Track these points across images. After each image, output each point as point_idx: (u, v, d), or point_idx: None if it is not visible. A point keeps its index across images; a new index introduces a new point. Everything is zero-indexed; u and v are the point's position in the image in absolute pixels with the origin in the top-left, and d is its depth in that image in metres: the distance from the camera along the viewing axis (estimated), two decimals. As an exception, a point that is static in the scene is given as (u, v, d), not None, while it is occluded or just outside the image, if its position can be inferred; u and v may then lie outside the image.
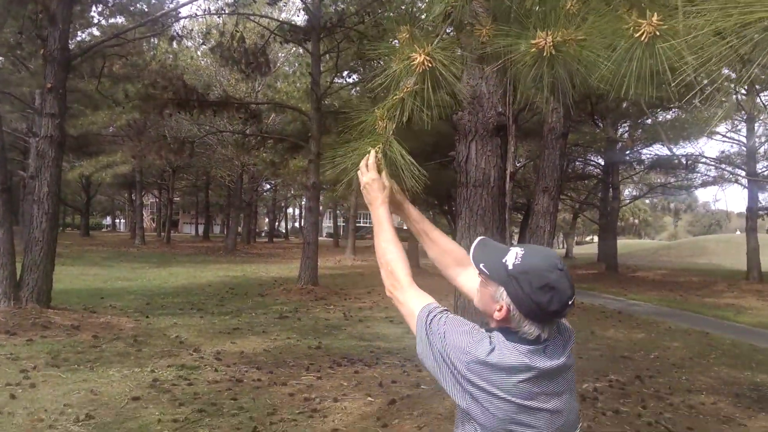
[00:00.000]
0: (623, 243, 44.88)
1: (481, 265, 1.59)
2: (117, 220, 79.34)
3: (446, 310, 1.65)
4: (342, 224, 59.63)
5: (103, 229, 71.75)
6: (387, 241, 1.86)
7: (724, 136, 24.03)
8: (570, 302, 1.49)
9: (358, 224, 41.26)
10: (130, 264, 23.11)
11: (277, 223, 66.96)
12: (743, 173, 23.51)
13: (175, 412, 5.33)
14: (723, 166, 25.25)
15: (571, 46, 1.56)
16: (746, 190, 22.37)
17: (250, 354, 7.97)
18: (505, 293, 1.51)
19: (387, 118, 2.08)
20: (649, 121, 21.97)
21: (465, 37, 2.04)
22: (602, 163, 27.72)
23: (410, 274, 1.79)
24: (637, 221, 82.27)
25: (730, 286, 20.60)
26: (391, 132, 2.08)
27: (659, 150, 25.51)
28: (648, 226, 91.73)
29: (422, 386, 6.29)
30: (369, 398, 5.88)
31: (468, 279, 1.93)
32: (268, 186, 48.67)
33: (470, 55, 2.13)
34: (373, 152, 2.02)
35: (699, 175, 26.75)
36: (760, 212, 23.69)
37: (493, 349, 1.47)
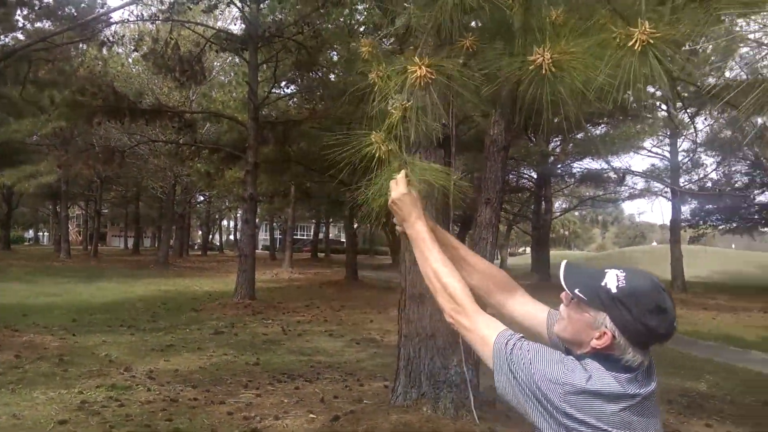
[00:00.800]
0: (555, 254, 46.14)
1: (576, 291, 1.48)
2: (40, 233, 75.68)
3: (522, 336, 1.53)
4: (279, 237, 58.88)
5: (26, 243, 68.22)
6: (437, 261, 1.70)
7: (649, 151, 25.15)
8: (675, 324, 1.43)
9: (295, 236, 40.80)
10: (55, 279, 21.99)
11: (210, 236, 65.44)
12: (665, 187, 24.63)
13: (105, 435, 5.04)
14: (649, 180, 26.39)
15: (569, 62, 1.53)
16: (670, 203, 23.44)
17: (185, 372, 7.66)
18: (608, 319, 1.42)
19: (386, 141, 1.93)
20: (580, 135, 22.72)
21: (447, 51, 1.94)
22: (535, 177, 28.48)
23: (472, 297, 1.65)
24: (567, 233, 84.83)
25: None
26: (403, 153, 1.93)
27: (589, 164, 26.45)
28: (577, 238, 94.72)
29: (365, 401, 6.20)
30: (311, 415, 5.73)
31: (519, 305, 1.83)
32: (202, 197, 47.51)
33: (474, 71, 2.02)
34: (403, 170, 1.87)
35: (627, 188, 27.89)
36: (683, 224, 24.84)
37: (590, 377, 1.38)
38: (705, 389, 7.99)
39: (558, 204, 45.99)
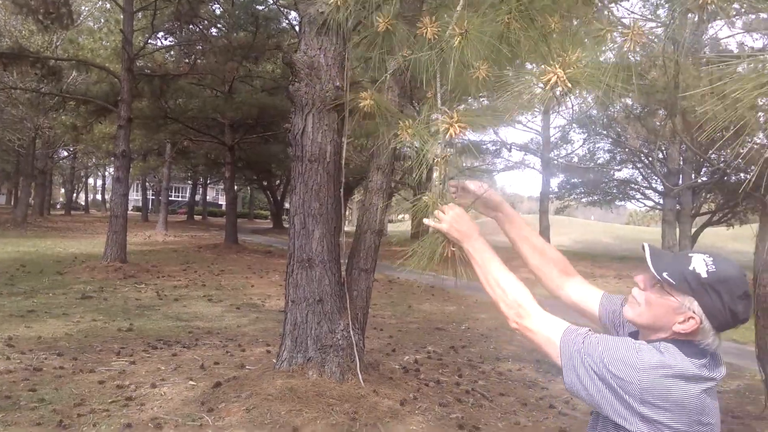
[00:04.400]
0: (433, 222, 47.57)
1: (664, 274, 1.45)
2: None
3: (590, 329, 1.51)
4: (152, 197, 56.01)
5: None
6: (499, 270, 1.69)
7: (525, 125, 26.37)
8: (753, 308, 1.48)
9: (170, 198, 38.98)
10: None
11: (75, 195, 60.93)
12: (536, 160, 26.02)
13: (-43, 410, 4.57)
14: (526, 152, 27.74)
15: (582, 74, 1.58)
16: (540, 176, 24.81)
17: (48, 339, 7.13)
18: (696, 304, 1.42)
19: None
20: (462, 107, 23.36)
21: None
22: (417, 146, 28.94)
23: (533, 299, 1.62)
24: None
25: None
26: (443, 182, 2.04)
27: (470, 135, 27.33)
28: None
29: (248, 367, 6.07)
30: (191, 382, 5.53)
31: (576, 290, 1.83)
32: (66, 153, 43.98)
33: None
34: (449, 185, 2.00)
35: (503, 160, 29.14)
36: (551, 196, 26.40)
37: (668, 360, 1.38)
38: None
39: (437, 174, 47.33)
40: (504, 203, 2.03)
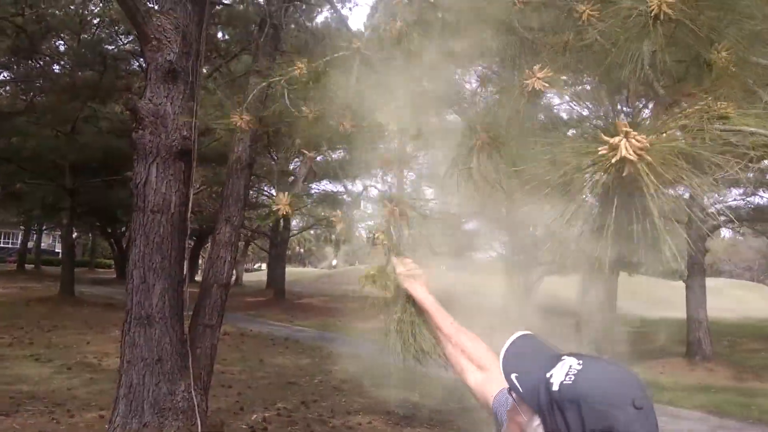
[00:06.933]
0: (290, 270, 47.13)
1: (513, 376, 1.06)
2: None
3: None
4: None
5: None
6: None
7: (382, 178, 27.20)
8: None
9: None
10: None
11: None
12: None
13: None
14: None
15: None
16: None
17: None
18: (542, 429, 1.00)
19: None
20: (320, 158, 23.64)
21: None
22: (275, 194, 28.83)
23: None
24: (302, 250, 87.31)
25: (376, 311, 23.14)
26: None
27: (326, 186, 27.74)
28: (312, 255, 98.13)
29: (76, 435, 5.54)
30: (5, 456, 4.93)
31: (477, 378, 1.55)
32: None
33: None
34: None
35: (360, 210, 29.75)
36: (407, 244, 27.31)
37: None
38: (418, 399, 8.76)
39: (295, 222, 47.27)
40: (416, 289, 1.83)
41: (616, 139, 1.24)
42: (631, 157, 1.22)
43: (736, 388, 11.26)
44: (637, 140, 1.22)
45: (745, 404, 9.70)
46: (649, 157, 1.22)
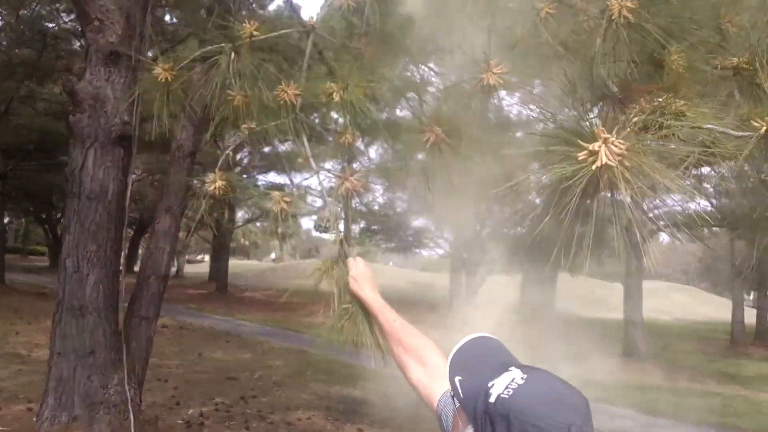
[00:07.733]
0: (234, 263, 46.39)
1: (456, 379, 1.00)
2: None
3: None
4: None
5: None
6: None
7: (329, 171, 27.04)
8: None
9: None
10: None
11: None
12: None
13: None
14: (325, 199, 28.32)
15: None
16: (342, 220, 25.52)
17: None
18: None
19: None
20: (267, 149, 23.36)
21: None
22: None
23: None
24: (248, 243, 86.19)
25: (326, 307, 23.04)
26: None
27: (274, 178, 27.40)
28: (257, 249, 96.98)
29: (1, 428, 5.28)
30: None
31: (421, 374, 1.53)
32: None
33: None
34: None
35: (306, 204, 29.50)
36: (351, 241, 27.27)
37: None
38: (359, 395, 8.76)
39: (240, 214, 46.55)
40: (363, 290, 1.87)
41: (596, 145, 1.25)
42: (612, 164, 1.23)
43: (669, 388, 11.72)
44: (616, 145, 1.24)
45: (676, 403, 10.10)
46: (627, 163, 1.24)
